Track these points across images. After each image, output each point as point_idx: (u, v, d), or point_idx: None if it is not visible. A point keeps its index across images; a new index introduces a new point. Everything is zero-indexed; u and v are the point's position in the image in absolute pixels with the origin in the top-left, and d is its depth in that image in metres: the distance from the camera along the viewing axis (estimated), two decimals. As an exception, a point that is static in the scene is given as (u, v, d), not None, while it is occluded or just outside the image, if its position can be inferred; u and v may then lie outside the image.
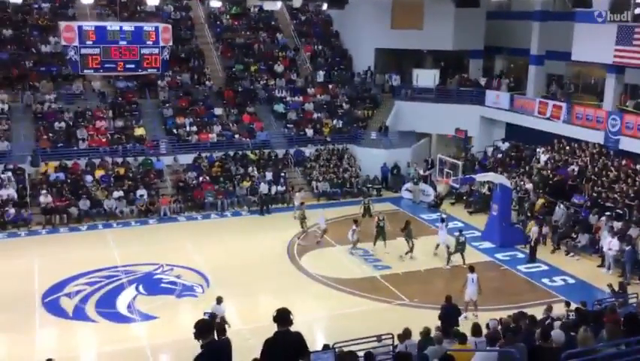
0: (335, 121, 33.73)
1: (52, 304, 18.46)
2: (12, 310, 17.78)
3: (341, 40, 38.68)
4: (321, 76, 36.19)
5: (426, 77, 34.15)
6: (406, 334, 11.42)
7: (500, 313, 15.55)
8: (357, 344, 11.67)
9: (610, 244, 20.92)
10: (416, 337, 11.76)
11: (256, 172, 29.82)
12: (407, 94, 34.38)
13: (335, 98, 35.28)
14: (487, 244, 23.88)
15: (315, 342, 15.90)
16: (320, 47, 37.91)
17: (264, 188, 28.54)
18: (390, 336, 12.66)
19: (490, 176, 26.31)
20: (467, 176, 27.77)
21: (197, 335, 6.82)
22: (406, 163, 31.54)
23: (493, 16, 34.38)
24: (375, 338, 12.70)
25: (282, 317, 6.81)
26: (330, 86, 35.74)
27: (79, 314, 17.83)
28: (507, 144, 31.30)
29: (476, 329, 10.92)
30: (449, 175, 28.13)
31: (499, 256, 22.59)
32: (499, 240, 23.62)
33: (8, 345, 16.29)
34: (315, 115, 33.95)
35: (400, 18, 34.16)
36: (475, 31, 34.09)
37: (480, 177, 27.31)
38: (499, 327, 11.90)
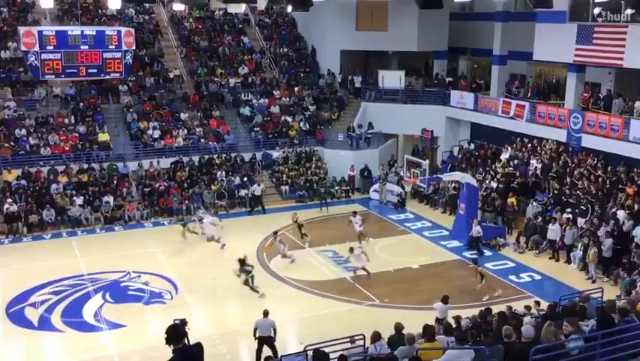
0: (302, 123, 33.72)
1: (16, 314, 18.03)
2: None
3: (306, 42, 38.70)
4: (286, 78, 36.17)
5: (391, 78, 34.37)
6: (376, 336, 11.44)
7: (469, 311, 15.74)
8: (330, 345, 11.65)
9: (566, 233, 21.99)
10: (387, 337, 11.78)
11: (224, 176, 29.61)
12: (373, 95, 34.55)
13: (301, 100, 35.27)
14: (455, 243, 24.15)
15: (287, 345, 15.90)
16: (285, 50, 37.87)
17: (226, 194, 28.39)
18: (362, 337, 12.68)
19: (457, 175, 26.61)
20: (434, 176, 28.01)
21: (168, 341, 6.71)
22: (374, 165, 31.65)
23: (457, 18, 34.81)
24: (347, 340, 12.71)
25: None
26: (296, 89, 35.72)
27: (44, 324, 17.45)
28: (472, 144, 31.69)
29: (447, 328, 11.00)
30: (416, 175, 28.39)
31: (467, 254, 22.84)
32: (467, 238, 23.89)
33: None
34: (282, 117, 33.89)
35: (365, 20, 34.41)
36: (439, 32, 34.45)
37: (446, 177, 27.60)
38: (470, 325, 12.02)
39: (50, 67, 25.27)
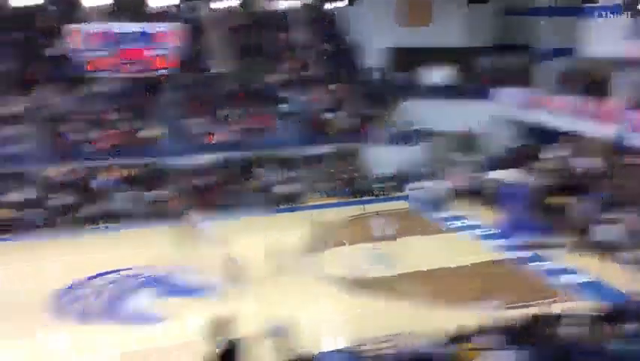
0: (344, 120, 33.61)
1: (62, 306, 18.45)
2: (22, 313, 17.79)
3: (349, 38, 38.55)
4: (328, 75, 36.10)
5: (435, 75, 33.96)
6: (416, 335, 11.28)
7: (513, 312, 15.39)
8: (370, 344, 11.54)
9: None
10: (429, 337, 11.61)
11: (266, 173, 29.79)
12: (416, 92, 34.20)
13: (344, 97, 35.16)
14: (499, 242, 23.70)
15: (330, 343, 15.84)
16: (328, 46, 37.81)
17: (277, 188, 28.52)
18: (404, 336, 12.53)
19: (502, 173, 26.12)
20: (478, 173, 27.55)
21: (212, 334, 6.78)
22: (416, 161, 31.34)
23: (504, 13, 34.16)
24: (389, 339, 12.58)
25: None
26: (340, 85, 35.62)
27: (89, 317, 17.80)
28: (519, 142, 31.06)
29: (490, 329, 10.78)
30: (459, 173, 27.99)
31: (511, 253, 22.36)
32: (514, 236, 23.40)
33: (17, 349, 16.26)
34: (324, 114, 33.85)
35: (409, 15, 34.08)
36: (486, 27, 33.87)
37: (492, 175, 27.13)
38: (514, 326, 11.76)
39: (97, 64, 25.84)
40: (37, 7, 34.43)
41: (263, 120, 32.93)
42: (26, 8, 33.92)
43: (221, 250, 21.18)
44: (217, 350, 6.75)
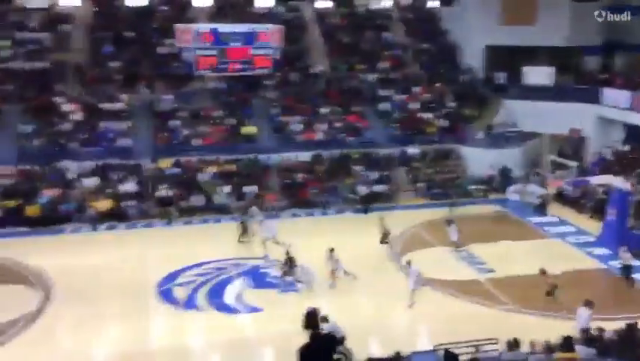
0: (441, 120, 33.27)
1: (166, 292, 19.50)
2: (130, 297, 18.95)
3: (449, 37, 38.06)
4: (426, 74, 35.83)
5: (538, 75, 32.89)
6: (515, 343, 11.06)
7: (613, 323, 14.79)
8: (461, 347, 11.50)
9: None
10: (525, 346, 11.39)
11: (360, 171, 30.02)
12: (517, 92, 33.28)
13: (441, 97, 34.79)
14: (601, 251, 22.72)
15: (417, 343, 15.87)
16: (427, 45, 37.51)
17: (363, 188, 28.69)
18: (496, 342, 12.38)
19: (607, 179, 24.98)
20: (581, 179, 26.49)
21: (306, 325, 7.00)
22: (514, 164, 30.50)
23: (612, 10, 32.52)
24: (478, 343, 12.46)
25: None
26: (437, 85, 35.27)
27: (190, 303, 18.71)
28: (627, 146, 29.56)
29: (590, 338, 10.47)
30: (561, 177, 27.02)
31: (614, 263, 21.40)
32: (616, 246, 22.36)
33: (124, 330, 17.33)
34: (421, 114, 33.64)
35: (511, 13, 33.17)
36: (591, 26, 32.39)
37: (595, 180, 26.01)
38: (614, 338, 11.35)
39: (204, 62, 26.96)
40: (150, 7, 36.44)
41: (359, 119, 33.16)
42: (140, 8, 35.98)
43: (317, 245, 21.69)
44: (310, 342, 6.98)
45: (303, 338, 6.93)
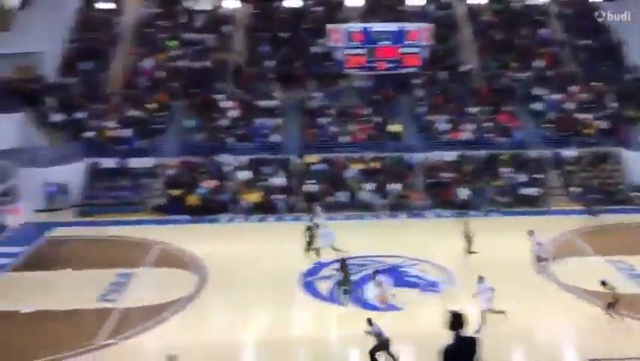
0: (600, 121, 31.26)
1: (309, 285, 20.23)
2: (276, 286, 19.87)
3: (612, 33, 35.59)
4: (585, 73, 33.79)
5: None
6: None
7: None
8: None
9: None
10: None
11: (508, 173, 29.06)
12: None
13: (601, 97, 32.64)
14: None
15: (566, 355, 15.15)
16: (587, 42, 35.35)
17: (520, 190, 27.76)
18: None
19: None
20: None
21: (451, 326, 7.05)
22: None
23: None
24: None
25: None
26: (596, 84, 33.13)
27: (331, 297, 19.25)
28: None
29: None
30: None
31: None
32: None
33: (268, 317, 18.20)
34: (577, 115, 31.82)
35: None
36: None
37: None
38: None
39: (353, 61, 27.55)
40: (305, 8, 37.74)
41: (509, 118, 32.06)
42: (295, 9, 37.40)
43: (460, 244, 21.40)
44: (453, 343, 7.03)
45: (442, 339, 6.98)
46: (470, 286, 19.34)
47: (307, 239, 22.22)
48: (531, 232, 21.22)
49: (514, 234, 23.62)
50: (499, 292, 19.05)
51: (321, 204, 27.72)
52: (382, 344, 14.79)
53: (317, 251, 22.10)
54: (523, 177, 28.88)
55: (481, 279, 17.21)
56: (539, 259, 20.81)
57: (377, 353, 14.81)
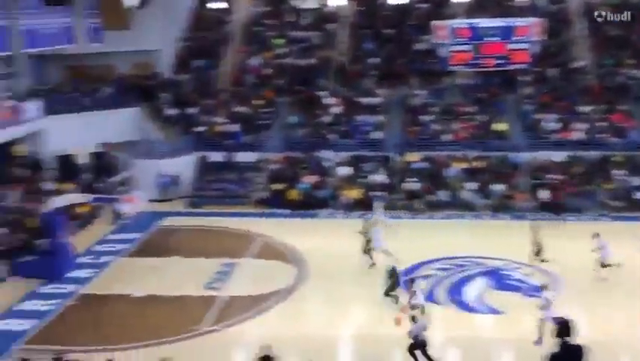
0: None
1: (407, 283, 20.14)
2: (372, 283, 19.78)
3: None
4: None
5: None
6: None
7: None
8: None
9: None
10: None
11: (621, 176, 27.55)
12: None
13: None
14: None
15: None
16: None
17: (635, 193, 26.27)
18: None
19: None
20: None
21: (558, 334, 6.94)
22: None
23: None
24: None
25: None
26: None
27: (430, 297, 19.06)
28: None
29: None
30: None
31: None
32: None
33: (363, 313, 18.37)
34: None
35: None
36: None
37: None
38: None
39: (458, 58, 27.10)
40: (410, 4, 37.50)
41: (625, 118, 30.36)
42: (399, 6, 37.25)
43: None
44: (560, 352, 6.91)
45: (544, 348, 6.86)
46: (580, 292, 18.66)
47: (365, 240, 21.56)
48: (596, 235, 20.03)
49: (625, 240, 22.47)
50: (612, 298, 18.23)
51: (422, 202, 27.57)
52: (418, 344, 14.63)
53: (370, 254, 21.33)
54: (637, 181, 27.29)
55: (544, 287, 16.44)
56: (603, 265, 19.57)
57: (415, 352, 14.70)
